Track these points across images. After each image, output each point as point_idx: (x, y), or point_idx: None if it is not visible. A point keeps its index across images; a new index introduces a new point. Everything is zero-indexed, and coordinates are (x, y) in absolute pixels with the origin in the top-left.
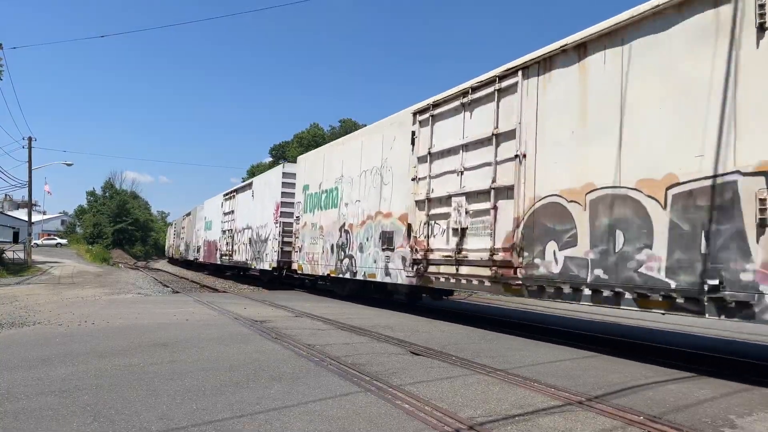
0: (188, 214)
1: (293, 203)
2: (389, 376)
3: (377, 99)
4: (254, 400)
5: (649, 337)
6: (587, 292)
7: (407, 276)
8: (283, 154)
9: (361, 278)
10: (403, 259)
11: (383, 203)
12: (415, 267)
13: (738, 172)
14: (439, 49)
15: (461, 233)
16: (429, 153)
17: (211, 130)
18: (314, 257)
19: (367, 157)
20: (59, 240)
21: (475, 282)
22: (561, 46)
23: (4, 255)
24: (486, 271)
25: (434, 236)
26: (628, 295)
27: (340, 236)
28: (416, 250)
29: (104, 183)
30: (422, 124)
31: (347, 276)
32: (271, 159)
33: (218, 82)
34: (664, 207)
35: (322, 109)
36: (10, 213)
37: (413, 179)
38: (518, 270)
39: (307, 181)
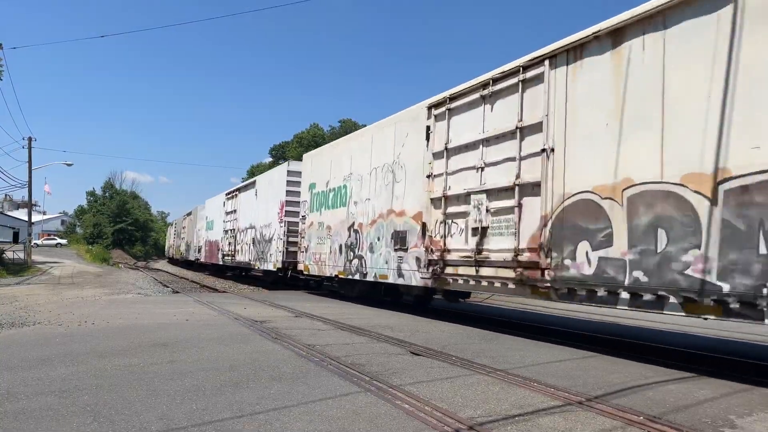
0: (189, 214)
1: (299, 202)
2: (389, 376)
3: (377, 99)
4: (254, 400)
5: (649, 337)
6: (625, 295)
7: (422, 277)
8: (283, 154)
9: (372, 279)
10: (418, 259)
11: (395, 201)
12: (430, 268)
13: None
14: (439, 49)
15: (481, 232)
16: (445, 148)
17: (211, 130)
18: (321, 257)
19: (377, 153)
20: (59, 240)
21: (497, 284)
22: (593, 33)
23: (4, 255)
24: (509, 273)
25: (451, 236)
26: (672, 299)
27: (349, 236)
28: (432, 250)
29: (104, 183)
30: (438, 118)
31: (357, 277)
32: (271, 159)
33: (218, 82)
34: (715, 203)
35: (322, 109)
36: (10, 213)
37: (428, 176)
38: (546, 272)
39: (314, 179)
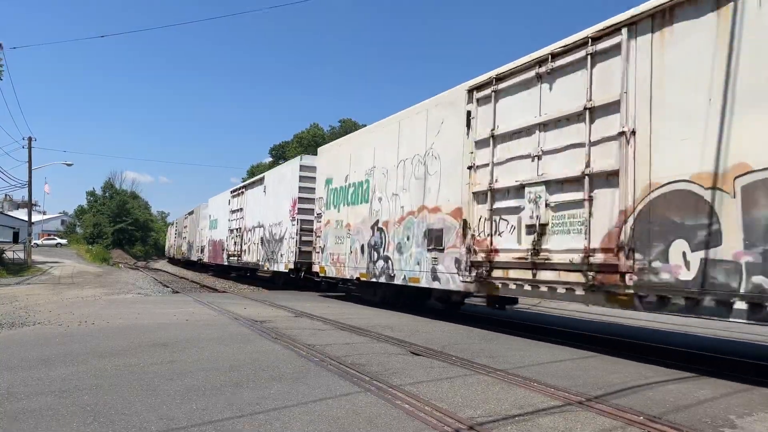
0: (191, 213)
1: (313, 199)
2: (389, 376)
3: (377, 99)
4: (254, 400)
5: (649, 337)
6: (741, 305)
7: (462, 281)
8: (283, 154)
9: (401, 283)
10: (457, 261)
11: (428, 196)
12: (473, 271)
13: None
14: (438, 49)
15: (539, 230)
16: (492, 136)
17: (211, 130)
18: (340, 258)
19: (406, 144)
20: (59, 240)
21: (560, 290)
22: None
23: (4, 255)
24: (578, 277)
25: (500, 234)
26: None
27: (373, 235)
28: (475, 250)
29: (104, 183)
30: (481, 102)
31: (382, 280)
32: (271, 159)
33: (218, 82)
34: None
35: (322, 109)
36: (10, 213)
37: (470, 167)
38: (627, 276)
39: (330, 174)
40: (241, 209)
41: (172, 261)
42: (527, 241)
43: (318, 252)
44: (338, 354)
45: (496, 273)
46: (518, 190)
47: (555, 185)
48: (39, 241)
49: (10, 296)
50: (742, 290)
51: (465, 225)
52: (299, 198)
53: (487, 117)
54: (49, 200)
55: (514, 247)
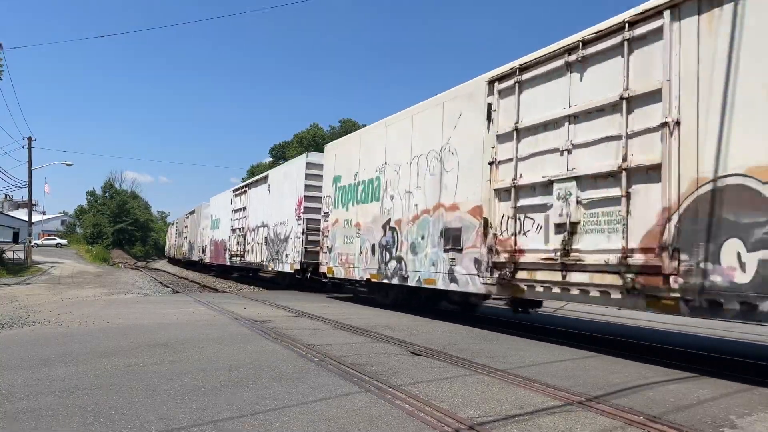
0: (192, 213)
1: (320, 197)
2: (389, 376)
3: (377, 99)
4: (254, 400)
5: (649, 337)
6: None
7: (483, 283)
8: (283, 154)
9: (415, 284)
10: (477, 261)
11: (445, 194)
12: (495, 272)
13: None
14: (438, 50)
15: (569, 229)
16: (515, 129)
17: (211, 130)
18: (349, 259)
19: (420, 139)
20: (59, 240)
21: (594, 293)
22: None
23: (4, 255)
24: (614, 279)
25: (525, 233)
26: None
27: (384, 234)
28: (497, 251)
29: (104, 183)
30: (503, 94)
31: (395, 281)
32: (271, 159)
33: (218, 82)
34: None
35: (322, 109)
36: (10, 213)
37: (491, 163)
38: (672, 278)
39: (339, 171)
40: (244, 208)
41: (172, 261)
42: (556, 241)
43: (325, 252)
44: (338, 354)
45: (521, 275)
46: (545, 187)
47: (587, 181)
48: (39, 241)
49: (10, 296)
50: None
51: (486, 224)
52: (306, 196)
53: (510, 109)
54: (49, 200)
55: (540, 247)
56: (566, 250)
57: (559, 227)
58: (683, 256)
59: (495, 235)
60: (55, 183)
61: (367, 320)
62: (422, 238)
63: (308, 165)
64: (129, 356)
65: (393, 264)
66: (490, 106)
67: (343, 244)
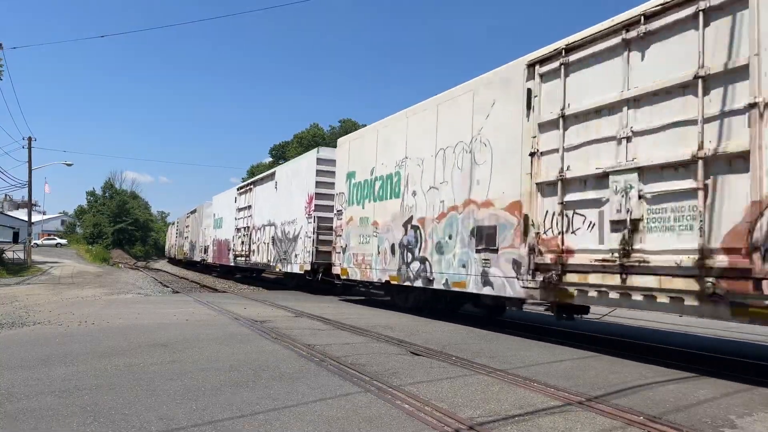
0: (193, 212)
1: (332, 195)
2: (389, 376)
3: (377, 99)
4: (254, 400)
5: (649, 337)
6: None
7: (523, 287)
8: (283, 154)
9: (442, 287)
10: (516, 263)
11: (476, 189)
12: (539, 275)
13: None
14: (438, 50)
15: (630, 227)
16: (561, 116)
17: (211, 130)
18: (365, 259)
19: (447, 130)
20: (59, 240)
21: (662, 299)
22: None
23: (4, 255)
24: (688, 284)
25: (574, 232)
26: None
27: (405, 233)
28: (540, 251)
29: (104, 183)
30: (546, 77)
31: (418, 284)
32: (271, 159)
33: (218, 82)
34: None
35: (322, 109)
36: (10, 213)
37: (531, 154)
38: (765, 283)
39: (353, 167)
40: (249, 207)
41: (173, 261)
42: (613, 240)
43: (339, 252)
44: (338, 354)
45: (570, 278)
46: (599, 180)
47: (652, 172)
48: (39, 241)
49: (10, 296)
50: None
51: (526, 221)
52: (317, 194)
53: (555, 95)
54: (49, 200)
55: (594, 246)
56: (626, 251)
57: (617, 225)
58: None
59: (537, 233)
60: (55, 183)
61: (367, 320)
62: (450, 237)
63: (319, 161)
64: (129, 356)
65: (416, 265)
66: (530, 91)
67: (358, 244)
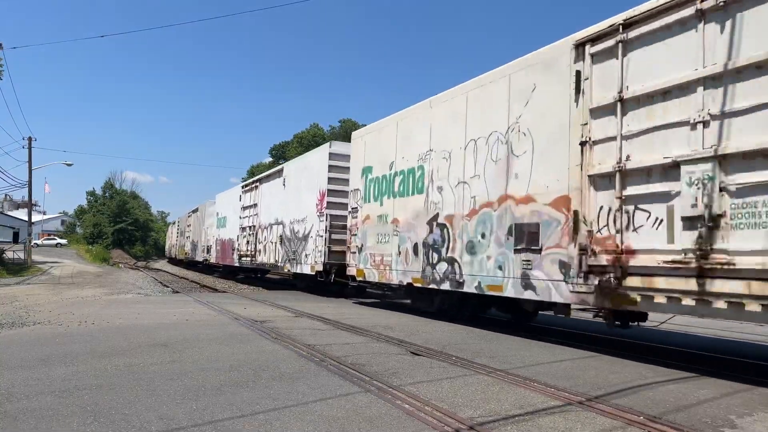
0: (195, 211)
1: (345, 191)
2: (389, 376)
3: (377, 99)
4: (254, 400)
5: (649, 337)
6: None
7: (573, 291)
8: (283, 154)
9: (474, 291)
10: (563, 264)
11: (514, 183)
12: (593, 278)
13: None
14: (438, 50)
15: (708, 224)
16: (619, 99)
17: (211, 130)
18: (384, 260)
19: (477, 119)
20: (59, 240)
21: (754, 307)
22: None
23: (4, 255)
24: None
25: (636, 230)
26: None
27: (430, 232)
28: (593, 251)
29: (104, 183)
30: (597, 58)
31: (445, 286)
32: (271, 159)
33: (218, 83)
34: None
35: (322, 109)
36: (10, 213)
37: (582, 143)
38: None
39: (369, 162)
40: (255, 205)
41: (173, 261)
42: (686, 239)
43: (354, 252)
44: (338, 354)
45: (632, 281)
46: (668, 170)
47: (737, 161)
48: (39, 241)
49: (10, 296)
50: None
51: (576, 218)
52: (329, 190)
53: (610, 76)
54: (49, 200)
55: (661, 246)
56: (704, 251)
57: (692, 221)
58: None
59: (590, 231)
60: (55, 183)
61: (367, 320)
62: (483, 236)
63: (332, 156)
64: (129, 356)
65: (443, 266)
66: (579, 74)
67: (376, 243)
